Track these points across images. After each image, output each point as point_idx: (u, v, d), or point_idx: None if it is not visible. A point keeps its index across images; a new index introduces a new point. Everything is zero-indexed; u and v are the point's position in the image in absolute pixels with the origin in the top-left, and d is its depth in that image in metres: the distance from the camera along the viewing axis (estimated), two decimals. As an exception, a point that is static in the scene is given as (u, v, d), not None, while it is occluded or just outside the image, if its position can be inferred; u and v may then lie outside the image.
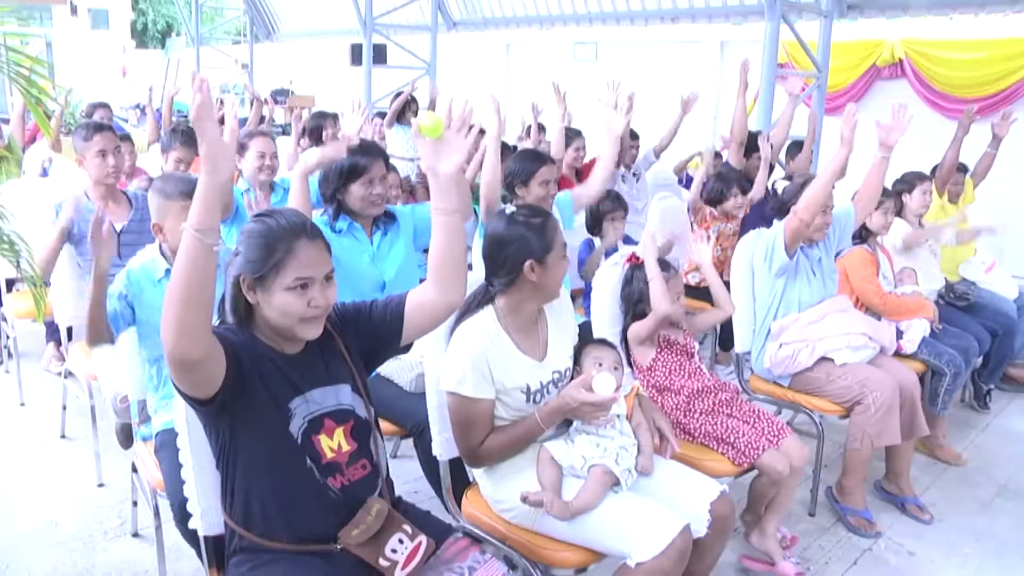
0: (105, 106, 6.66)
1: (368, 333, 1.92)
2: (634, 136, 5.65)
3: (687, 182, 5.63)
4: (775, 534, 2.84)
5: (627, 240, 4.09)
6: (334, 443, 1.80)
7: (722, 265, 4.42)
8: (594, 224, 4.04)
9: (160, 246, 2.60)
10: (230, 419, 1.72)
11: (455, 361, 2.14)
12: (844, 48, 8.15)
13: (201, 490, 1.91)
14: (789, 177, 5.44)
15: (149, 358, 2.60)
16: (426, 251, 3.14)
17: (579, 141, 5.11)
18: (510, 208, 2.25)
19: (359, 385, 1.89)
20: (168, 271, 2.57)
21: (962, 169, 4.81)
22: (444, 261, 1.88)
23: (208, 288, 1.53)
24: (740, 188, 4.44)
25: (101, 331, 2.49)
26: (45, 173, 5.63)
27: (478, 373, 2.11)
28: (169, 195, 2.50)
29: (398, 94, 6.93)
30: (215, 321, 1.75)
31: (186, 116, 14.02)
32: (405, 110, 6.74)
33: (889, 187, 3.91)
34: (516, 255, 2.15)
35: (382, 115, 7.00)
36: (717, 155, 6.48)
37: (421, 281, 3.39)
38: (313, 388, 1.80)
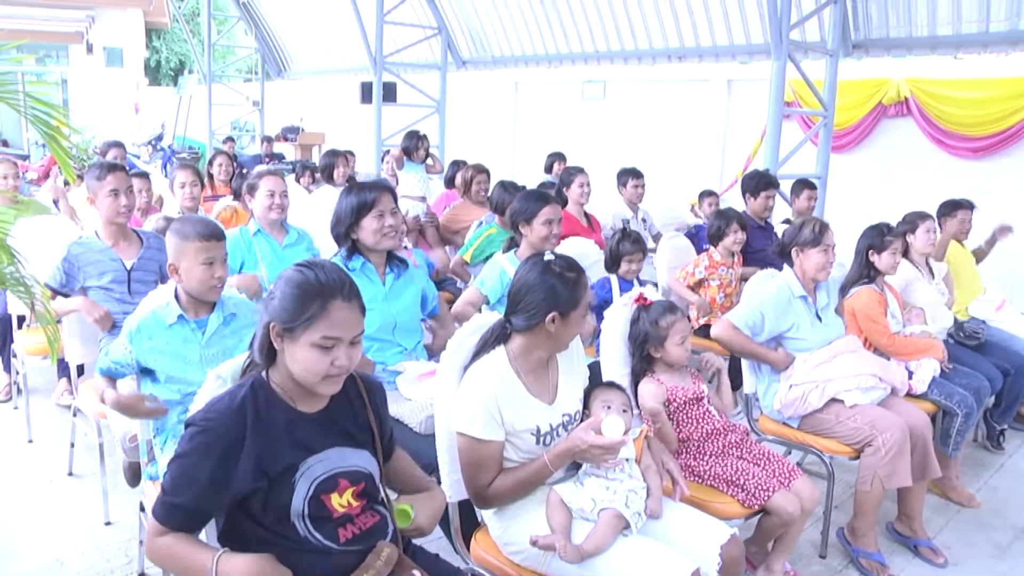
0: (119, 145, 6.76)
1: (386, 438, 1.95)
2: (638, 175, 5.71)
3: (694, 231, 5.67)
4: (782, 571, 2.81)
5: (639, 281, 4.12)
6: (343, 500, 1.78)
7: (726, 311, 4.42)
8: (612, 263, 4.08)
9: (175, 290, 2.61)
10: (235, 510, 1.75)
11: (466, 402, 2.14)
12: (850, 86, 8.21)
13: (209, 531, 1.90)
14: (787, 221, 5.47)
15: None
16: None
17: (582, 177, 5.17)
18: (548, 255, 2.23)
19: (378, 452, 1.88)
20: (180, 317, 2.57)
21: (968, 206, 4.80)
22: None
23: None
24: (739, 224, 4.46)
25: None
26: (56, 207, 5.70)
27: (488, 415, 2.11)
28: (186, 236, 2.52)
29: (409, 134, 6.97)
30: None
31: (197, 152, 14.19)
32: (417, 146, 6.80)
33: (894, 226, 3.92)
34: (542, 304, 2.15)
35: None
36: (712, 193, 6.55)
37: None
38: (331, 447, 1.78)
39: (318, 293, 1.69)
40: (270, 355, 1.77)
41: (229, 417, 1.70)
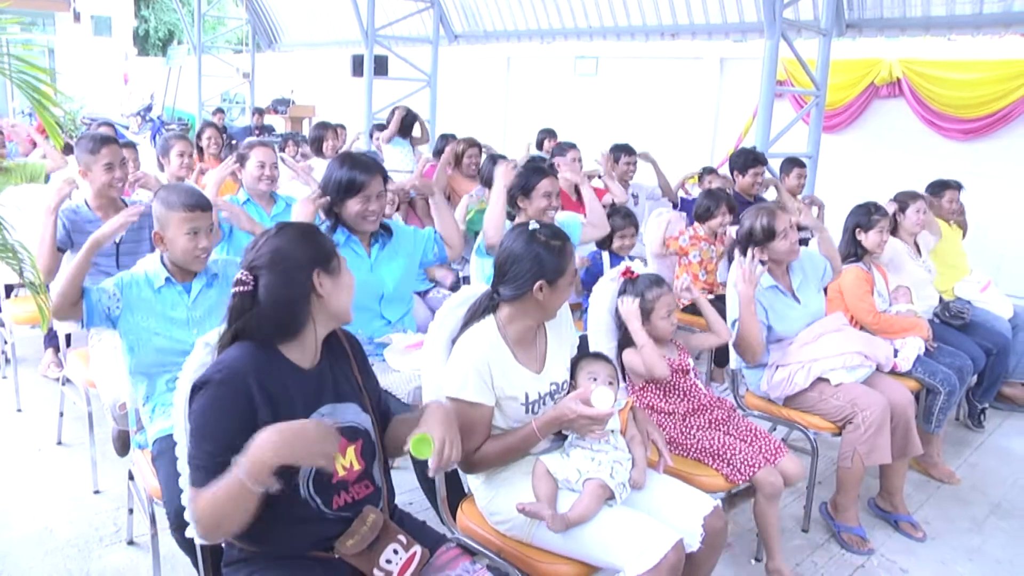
0: (108, 124, 6.71)
1: (372, 392, 1.97)
2: (630, 151, 5.71)
3: (683, 204, 5.70)
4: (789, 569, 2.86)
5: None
6: (346, 461, 1.81)
7: (711, 287, 4.44)
8: (604, 239, 4.09)
9: (161, 256, 2.62)
10: None
11: (457, 367, 2.16)
12: (843, 66, 8.19)
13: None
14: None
15: (138, 371, 2.59)
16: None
17: (574, 152, 5.16)
18: (533, 225, 2.24)
19: (367, 405, 1.90)
20: (168, 279, 2.59)
21: (956, 186, 4.82)
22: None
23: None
24: (728, 207, 4.46)
25: (68, 306, 2.50)
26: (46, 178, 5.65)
27: (480, 378, 2.13)
28: (171, 205, 2.53)
29: (394, 109, 6.98)
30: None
31: (186, 123, 14.05)
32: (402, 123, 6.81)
33: (883, 206, 3.94)
34: (529, 273, 2.16)
35: (381, 127, 7.06)
36: (712, 170, 6.56)
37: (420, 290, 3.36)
38: (327, 403, 1.82)
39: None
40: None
41: (237, 366, 1.71)
